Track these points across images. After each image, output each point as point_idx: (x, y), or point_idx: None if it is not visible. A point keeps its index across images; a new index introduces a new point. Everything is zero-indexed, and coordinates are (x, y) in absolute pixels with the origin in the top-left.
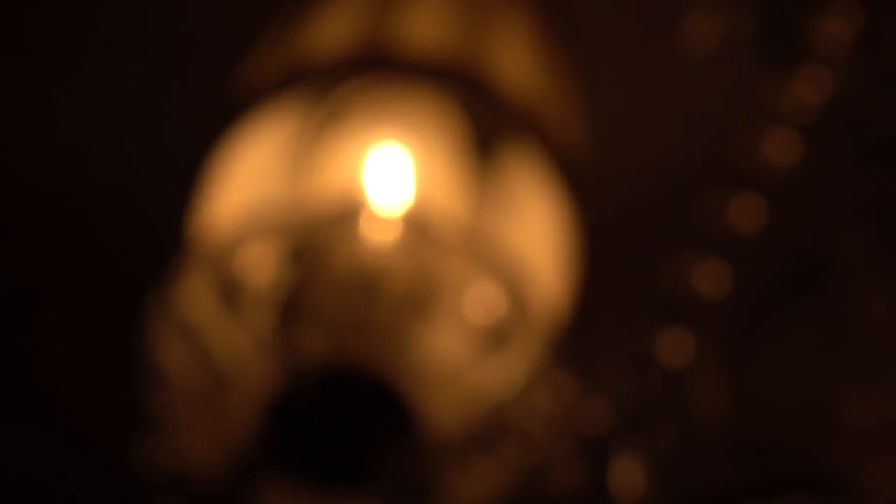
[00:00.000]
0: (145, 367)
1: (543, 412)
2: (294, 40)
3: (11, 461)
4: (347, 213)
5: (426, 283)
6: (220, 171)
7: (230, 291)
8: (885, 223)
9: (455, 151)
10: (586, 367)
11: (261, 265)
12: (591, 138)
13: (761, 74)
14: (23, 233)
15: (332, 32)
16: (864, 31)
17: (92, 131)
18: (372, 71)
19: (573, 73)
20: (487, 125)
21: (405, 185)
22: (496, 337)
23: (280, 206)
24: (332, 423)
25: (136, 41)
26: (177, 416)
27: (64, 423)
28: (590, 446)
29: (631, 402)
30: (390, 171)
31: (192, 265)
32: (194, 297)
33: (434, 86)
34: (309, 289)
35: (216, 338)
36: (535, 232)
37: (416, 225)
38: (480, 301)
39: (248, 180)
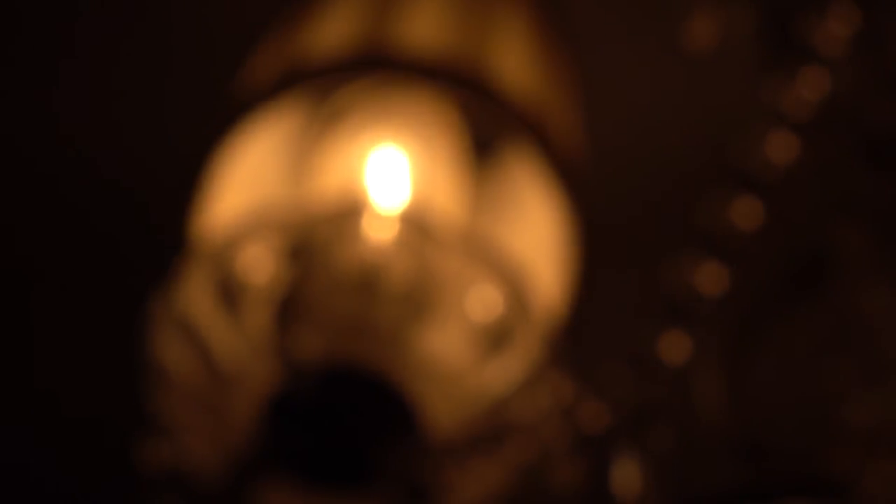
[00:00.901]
0: (146, 365)
1: (544, 412)
2: (295, 40)
3: (11, 460)
4: (347, 211)
5: (425, 283)
6: (220, 172)
7: (230, 290)
8: (885, 223)
9: (454, 152)
10: (586, 367)
11: (260, 264)
12: (590, 139)
13: (761, 74)
14: (24, 231)
15: (332, 33)
16: (863, 30)
17: (93, 132)
18: (372, 71)
19: (572, 74)
20: (487, 126)
21: (404, 187)
22: (496, 336)
23: (280, 206)
24: (333, 423)
25: (137, 41)
26: (177, 415)
27: (64, 422)
28: (589, 446)
29: (631, 402)
30: (389, 173)
31: (193, 264)
32: (194, 296)
33: (433, 87)
34: (308, 287)
35: (216, 336)
36: (533, 232)
37: (415, 224)
38: (480, 300)
39: (249, 181)
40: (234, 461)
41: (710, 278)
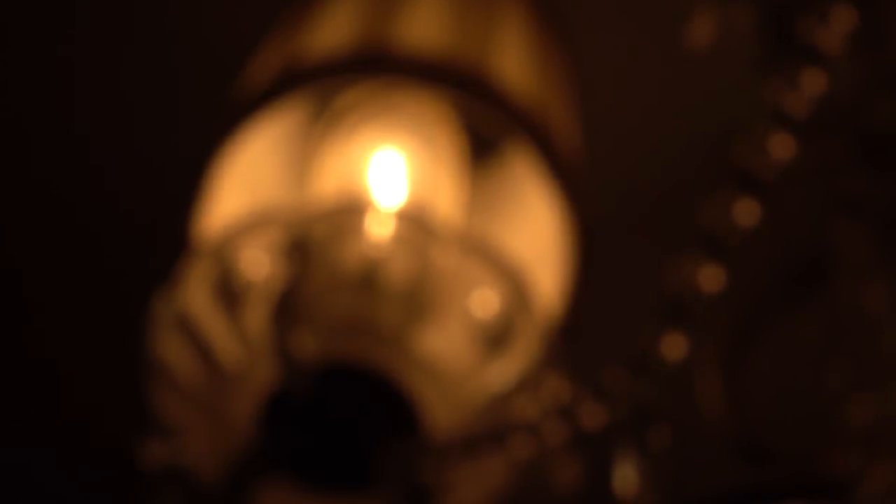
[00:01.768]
0: (146, 364)
1: (543, 411)
2: (295, 42)
3: (11, 460)
4: (346, 211)
5: (425, 282)
6: (221, 174)
7: (230, 289)
8: (885, 223)
9: (453, 153)
10: (585, 366)
11: (260, 263)
12: (589, 139)
13: (761, 73)
14: (24, 230)
15: (332, 35)
16: (863, 29)
17: (95, 132)
18: (372, 73)
19: (570, 75)
20: (486, 127)
21: (402, 187)
22: (496, 335)
23: (279, 207)
24: (332, 422)
25: (139, 41)
26: (177, 415)
27: (64, 422)
28: (589, 446)
29: (630, 401)
30: (388, 174)
31: (193, 262)
32: (195, 295)
33: (433, 88)
34: (308, 286)
35: (216, 336)
36: (532, 232)
37: (414, 221)
38: (479, 299)
39: (249, 182)
40: (233, 461)
41: (710, 278)
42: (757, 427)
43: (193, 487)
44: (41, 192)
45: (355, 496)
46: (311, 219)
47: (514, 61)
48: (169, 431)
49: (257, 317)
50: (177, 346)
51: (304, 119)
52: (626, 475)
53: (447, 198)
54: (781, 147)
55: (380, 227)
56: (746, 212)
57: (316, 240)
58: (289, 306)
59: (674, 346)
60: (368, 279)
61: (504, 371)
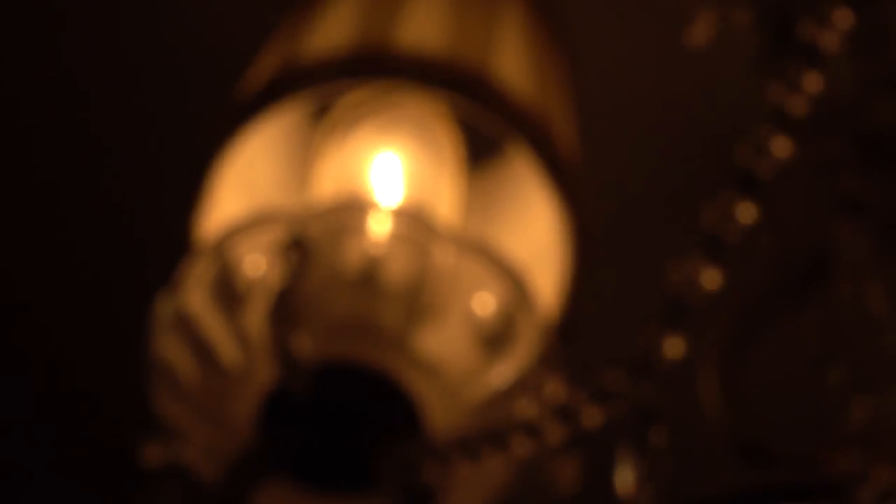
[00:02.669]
0: (146, 364)
1: (543, 411)
2: (296, 43)
3: (11, 460)
4: (346, 208)
5: (425, 282)
6: (221, 174)
7: (230, 289)
8: (885, 223)
9: (452, 155)
10: (585, 367)
11: (260, 263)
12: (588, 139)
13: (761, 73)
14: (25, 230)
15: (332, 36)
16: (863, 29)
17: (95, 132)
18: (372, 76)
19: (570, 76)
20: (485, 128)
21: (402, 189)
22: (496, 336)
23: (279, 208)
24: (332, 422)
25: (140, 42)
26: (177, 414)
27: (65, 421)
28: (588, 446)
29: (630, 402)
30: (388, 176)
31: (193, 264)
32: (195, 295)
33: (432, 90)
34: (308, 285)
35: (217, 335)
36: (530, 233)
37: (413, 222)
38: (479, 300)
39: (249, 185)
40: (232, 461)
41: (710, 278)
42: (757, 427)
43: (193, 487)
44: (41, 193)
45: (355, 497)
46: (311, 217)
47: (514, 63)
48: (169, 432)
49: (257, 317)
50: (177, 346)
51: (304, 120)
52: (625, 475)
53: (446, 199)
54: (781, 147)
55: (380, 226)
56: (746, 212)
57: (315, 239)
58: (288, 306)
59: (674, 346)
60: (369, 279)
61: (504, 371)
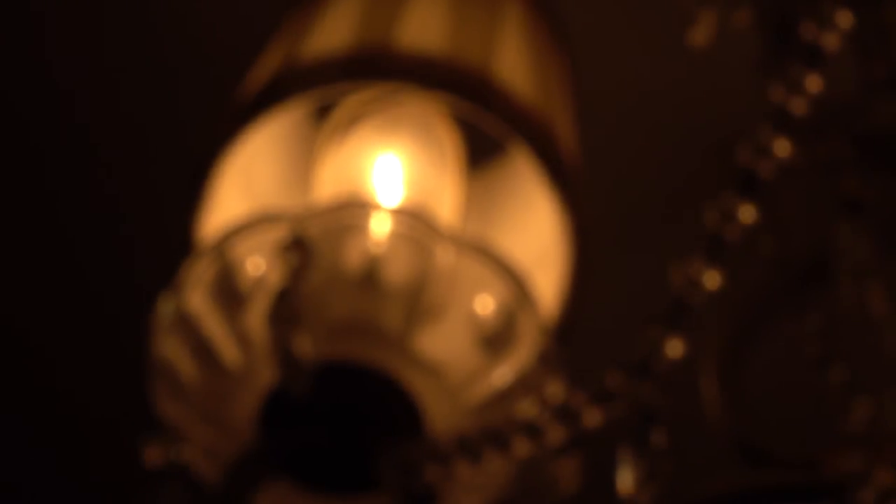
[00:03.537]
0: (147, 364)
1: (543, 412)
2: (297, 44)
3: (11, 460)
4: (346, 208)
5: (426, 283)
6: (221, 175)
7: (231, 289)
8: (885, 223)
9: (453, 156)
10: (585, 367)
11: (261, 263)
12: (588, 140)
13: (762, 73)
14: (24, 233)
15: (332, 38)
16: (864, 29)
17: (94, 132)
18: (371, 76)
19: (570, 77)
20: (486, 130)
21: (403, 191)
22: (497, 336)
23: (280, 208)
24: (333, 423)
25: (141, 42)
26: (178, 415)
27: (65, 422)
28: (588, 447)
29: (630, 402)
30: (388, 177)
31: (194, 264)
32: (195, 296)
33: (432, 91)
34: (309, 286)
35: (217, 336)
36: (532, 233)
37: (414, 221)
38: (480, 300)
39: (249, 187)
40: (233, 461)
41: (710, 278)
42: (757, 427)
43: (194, 487)
44: (41, 194)
45: (356, 497)
46: (312, 217)
47: (514, 64)
48: (170, 432)
49: (258, 317)
50: (178, 346)
51: (305, 121)
52: (626, 475)
53: (447, 199)
54: (782, 147)
55: (380, 226)
56: (747, 212)
57: (316, 239)
58: (289, 306)
59: (674, 346)
60: (369, 279)
61: (505, 372)
